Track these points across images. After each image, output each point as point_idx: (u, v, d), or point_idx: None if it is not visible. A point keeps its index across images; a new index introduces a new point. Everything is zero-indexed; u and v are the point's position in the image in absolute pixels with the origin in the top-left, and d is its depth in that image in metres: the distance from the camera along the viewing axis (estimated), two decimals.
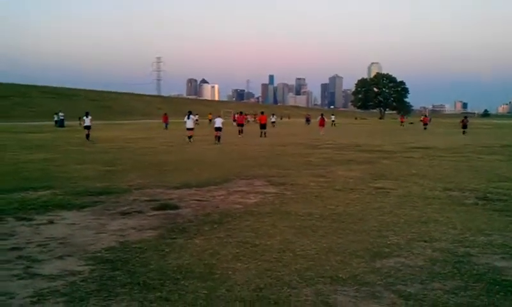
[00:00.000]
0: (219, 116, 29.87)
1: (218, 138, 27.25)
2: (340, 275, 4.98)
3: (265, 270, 5.14)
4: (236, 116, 39.74)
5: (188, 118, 28.90)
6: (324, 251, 5.82)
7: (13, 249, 5.98)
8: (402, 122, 74.28)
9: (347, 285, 4.72)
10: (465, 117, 43.54)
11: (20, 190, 10.16)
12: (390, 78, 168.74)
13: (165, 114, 51.82)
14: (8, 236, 6.61)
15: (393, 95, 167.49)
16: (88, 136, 29.81)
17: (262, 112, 37.33)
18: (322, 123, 40.51)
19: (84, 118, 31.40)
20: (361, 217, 7.71)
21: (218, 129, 27.81)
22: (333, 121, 63.24)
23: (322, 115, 42.47)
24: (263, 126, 34.54)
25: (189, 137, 27.65)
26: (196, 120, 61.08)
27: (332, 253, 5.74)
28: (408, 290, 4.59)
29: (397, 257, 5.62)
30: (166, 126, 47.44)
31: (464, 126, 40.46)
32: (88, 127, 30.57)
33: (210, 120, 61.13)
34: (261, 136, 32.77)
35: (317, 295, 4.46)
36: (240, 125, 37.00)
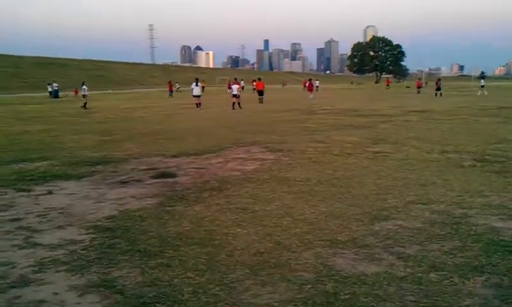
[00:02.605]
0: (236, 83, 29.96)
1: (238, 104, 27.49)
2: (339, 239, 5.01)
3: (265, 235, 5.17)
4: (231, 83, 40.40)
5: (196, 85, 28.84)
6: (322, 215, 5.85)
7: (13, 219, 5.99)
8: (388, 85, 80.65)
9: (346, 248, 4.75)
10: (439, 79, 45.34)
11: (18, 162, 10.13)
12: (386, 42, 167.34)
13: (169, 82, 52.07)
14: (8, 207, 6.61)
15: (389, 59, 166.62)
16: (84, 105, 29.95)
17: (259, 79, 37.22)
18: (310, 88, 42.94)
19: (84, 87, 31.84)
20: (360, 181, 7.72)
21: (235, 96, 28.26)
22: (316, 86, 63.78)
23: (310, 80, 46.01)
24: (260, 93, 34.41)
25: (197, 105, 27.60)
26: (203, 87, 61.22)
27: (331, 217, 5.77)
28: (407, 252, 4.62)
29: (396, 220, 5.65)
30: (171, 94, 47.58)
31: (438, 89, 41.75)
32: (85, 96, 31.02)
33: (203, 87, 61.09)
34: (258, 102, 32.63)
35: (317, 258, 4.49)
36: None
